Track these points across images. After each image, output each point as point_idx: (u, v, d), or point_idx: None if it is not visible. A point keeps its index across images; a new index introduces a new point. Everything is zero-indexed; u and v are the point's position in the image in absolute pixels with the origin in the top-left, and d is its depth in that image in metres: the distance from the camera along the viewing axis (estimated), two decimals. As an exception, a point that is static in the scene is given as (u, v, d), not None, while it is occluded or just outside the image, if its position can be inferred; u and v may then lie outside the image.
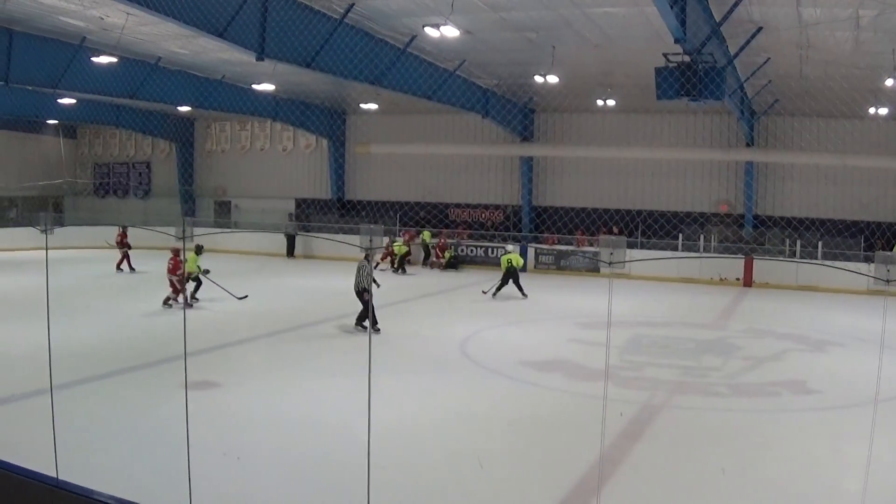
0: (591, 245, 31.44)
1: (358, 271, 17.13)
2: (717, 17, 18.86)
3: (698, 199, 33.20)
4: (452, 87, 27.48)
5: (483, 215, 36.51)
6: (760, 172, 32.35)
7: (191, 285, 20.13)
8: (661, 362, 15.56)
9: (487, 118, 31.21)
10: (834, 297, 26.15)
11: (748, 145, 31.61)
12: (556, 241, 32.65)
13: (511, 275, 23.89)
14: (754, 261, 28.97)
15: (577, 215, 33.18)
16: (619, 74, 26.97)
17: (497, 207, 36.37)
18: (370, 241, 12.58)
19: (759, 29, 20.38)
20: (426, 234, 32.86)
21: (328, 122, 37.65)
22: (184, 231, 26.60)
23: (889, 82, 22.26)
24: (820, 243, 28.84)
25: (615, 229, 32.57)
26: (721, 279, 29.43)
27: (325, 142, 38.59)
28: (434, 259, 31.69)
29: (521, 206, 35.69)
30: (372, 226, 34.33)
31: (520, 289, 23.81)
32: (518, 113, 33.54)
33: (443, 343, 16.18)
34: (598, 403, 10.52)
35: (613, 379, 13.53)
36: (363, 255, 17.16)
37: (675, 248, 30.82)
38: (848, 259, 27.91)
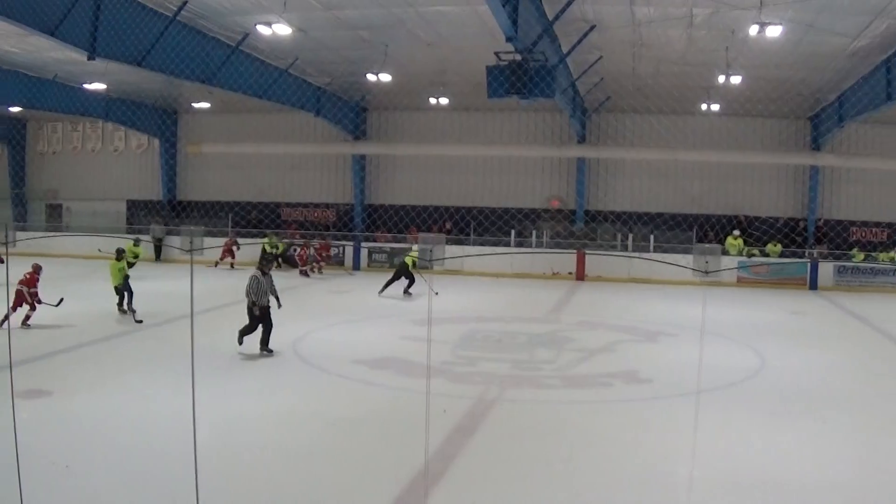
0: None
1: (250, 284, 14.99)
2: (550, 16, 19.35)
3: (531, 196, 34.24)
4: (285, 85, 27.60)
5: (315, 214, 36.71)
6: (592, 168, 33.65)
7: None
8: (495, 357, 15.81)
9: (320, 116, 31.37)
10: (664, 289, 27.41)
11: (580, 142, 32.82)
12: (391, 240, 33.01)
13: (405, 273, 24.19)
14: (586, 255, 29.98)
15: (410, 213, 33.49)
16: (451, 73, 27.48)
17: (330, 206, 36.61)
18: (191, 242, 12.41)
19: (592, 27, 21.11)
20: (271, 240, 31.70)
21: (160, 121, 36.94)
22: (6, 237, 25.29)
23: (721, 79, 23.52)
24: (651, 236, 30.35)
25: (448, 226, 33.21)
26: (554, 273, 30.34)
27: (156, 142, 37.83)
28: (315, 263, 31.14)
29: (353, 205, 35.94)
30: (192, 227, 34.03)
31: (408, 286, 24.23)
32: (350, 111, 33.96)
33: (274, 344, 15.88)
34: (440, 401, 11.13)
35: (447, 374, 13.68)
36: (261, 264, 15.59)
37: (508, 244, 31.72)
38: (682, 252, 29.63)
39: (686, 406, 11.93)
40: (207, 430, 6.52)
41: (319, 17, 21.10)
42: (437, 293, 23.01)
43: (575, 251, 30.51)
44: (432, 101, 30.47)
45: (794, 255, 31.19)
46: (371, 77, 25.54)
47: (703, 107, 28.47)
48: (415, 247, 27.78)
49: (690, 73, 25.07)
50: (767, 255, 31.19)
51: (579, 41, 21.70)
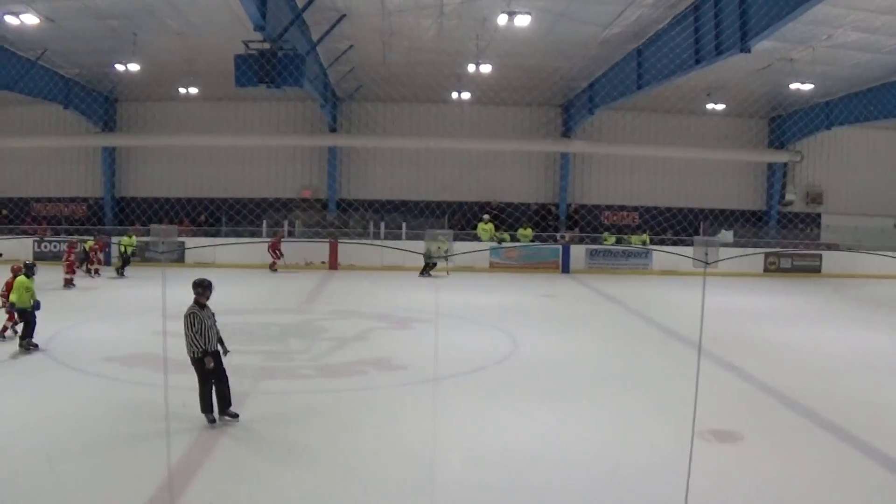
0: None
1: (190, 325, 11.15)
2: (300, 5, 20.04)
3: (284, 186, 34.93)
4: (34, 76, 26.99)
5: (67, 209, 35.87)
6: (344, 157, 34.72)
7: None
8: (247, 349, 16.05)
9: (69, 108, 30.94)
10: (417, 277, 28.82)
11: (332, 131, 33.80)
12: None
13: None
14: (339, 244, 30.95)
15: (164, 206, 33.55)
16: (201, 62, 27.75)
17: (80, 200, 35.82)
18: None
19: (343, 16, 21.99)
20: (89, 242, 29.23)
21: None
22: None
23: (472, 68, 25.03)
24: (404, 224, 31.75)
25: (203, 217, 33.37)
26: (307, 263, 31.12)
27: None
28: (274, 259, 30.16)
29: (103, 199, 35.33)
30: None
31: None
32: (100, 103, 33.46)
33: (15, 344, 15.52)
34: (181, 395, 11.42)
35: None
36: (197, 293, 11.38)
37: (261, 235, 32.17)
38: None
39: (441, 390, 12.87)
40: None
41: (69, 6, 20.87)
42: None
43: (327, 241, 31.39)
44: (182, 90, 30.54)
45: (546, 239, 33.46)
46: (119, 67, 25.47)
47: (455, 95, 29.98)
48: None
49: (442, 61, 26.40)
50: (519, 241, 33.11)
51: (329, 30, 22.48)
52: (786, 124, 37.19)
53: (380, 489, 8.96)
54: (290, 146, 34.69)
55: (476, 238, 32.77)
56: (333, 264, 31.23)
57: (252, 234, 31.87)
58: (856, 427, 12.23)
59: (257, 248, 30.20)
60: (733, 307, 24.23)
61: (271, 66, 20.12)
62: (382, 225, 32.74)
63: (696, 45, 21.60)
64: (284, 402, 12.58)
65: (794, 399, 14.00)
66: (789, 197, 39.11)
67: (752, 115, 36.98)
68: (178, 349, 11.24)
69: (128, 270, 28.57)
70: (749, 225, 38.27)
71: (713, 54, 20.81)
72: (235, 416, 11.33)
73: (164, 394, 10.65)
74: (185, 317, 11.21)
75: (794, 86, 28.51)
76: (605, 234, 35.00)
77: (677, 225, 34.65)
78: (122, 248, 28.68)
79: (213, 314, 11.44)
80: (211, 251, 29.67)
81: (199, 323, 11.18)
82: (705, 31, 21.03)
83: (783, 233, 38.09)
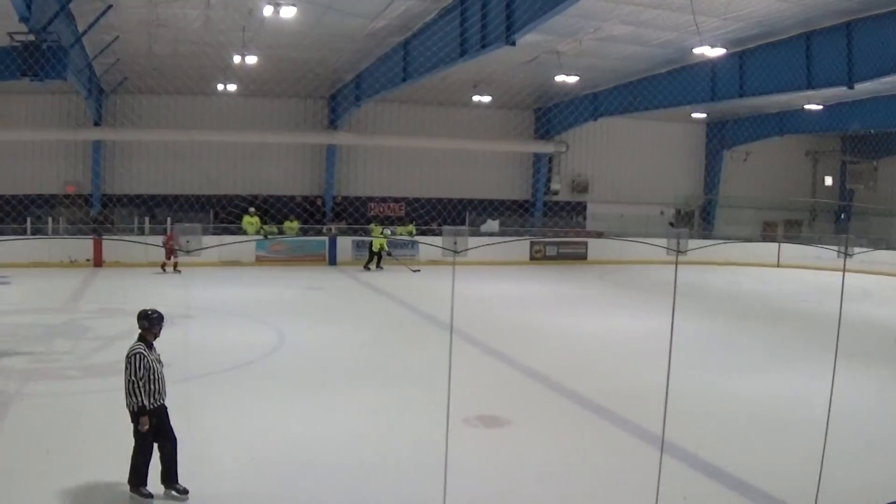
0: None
1: (135, 369, 9.22)
2: (68, -5, 20.28)
3: (47, 181, 34.40)
4: None
5: None
6: (109, 151, 34.86)
7: None
8: (10, 351, 16.20)
9: None
10: (188, 271, 29.41)
11: (96, 124, 33.88)
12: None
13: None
14: (103, 241, 31.10)
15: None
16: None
17: None
18: None
19: (109, 7, 22.33)
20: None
21: None
22: None
23: (237, 59, 25.84)
24: (169, 219, 32.11)
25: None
26: (72, 261, 31.19)
27: None
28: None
29: None
30: None
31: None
32: None
33: None
34: None
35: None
36: (144, 327, 9.66)
37: (24, 233, 31.59)
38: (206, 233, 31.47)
39: (208, 385, 13.84)
40: None
41: None
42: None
43: (92, 237, 31.47)
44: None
45: (312, 231, 34.79)
46: None
47: (221, 87, 30.62)
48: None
49: (208, 53, 26.80)
50: (285, 233, 34.29)
51: (95, 21, 22.63)
52: (552, 115, 39.87)
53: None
54: (53, 141, 34.30)
55: (242, 231, 33.63)
56: (98, 261, 31.44)
57: (14, 232, 31.18)
58: (619, 407, 13.53)
59: (18, 249, 29.53)
60: (500, 295, 26.17)
61: (34, 58, 20.31)
62: (147, 220, 33.04)
63: (462, 37, 22.47)
64: (52, 405, 12.67)
65: (560, 383, 15.21)
66: (555, 186, 42.11)
67: (518, 107, 39.32)
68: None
69: None
70: (516, 214, 40.85)
71: (478, 47, 21.83)
72: (185, 491, 9.30)
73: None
74: (129, 358, 9.33)
75: (559, 78, 29.91)
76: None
77: (444, 215, 36.44)
78: None
79: (159, 356, 9.68)
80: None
81: (146, 367, 9.31)
82: (471, 24, 21.93)
83: (549, 221, 40.86)
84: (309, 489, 9.78)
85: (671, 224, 43.80)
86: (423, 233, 36.47)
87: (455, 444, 9.22)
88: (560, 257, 38.62)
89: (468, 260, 25.51)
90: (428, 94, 33.78)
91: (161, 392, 9.41)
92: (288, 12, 20.86)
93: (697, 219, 46.48)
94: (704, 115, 42.64)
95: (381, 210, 38.54)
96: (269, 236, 33.56)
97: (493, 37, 21.03)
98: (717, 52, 24.20)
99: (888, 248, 37.99)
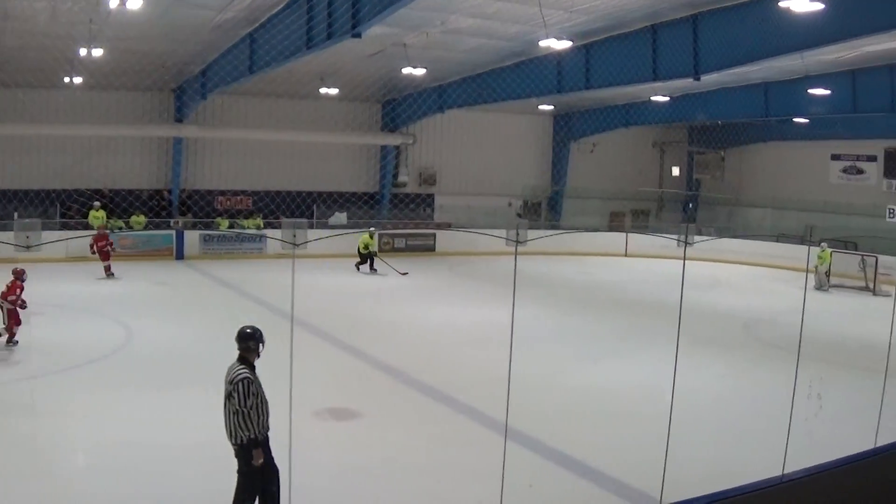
0: None
1: (243, 397, 9.01)
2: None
3: None
4: None
5: None
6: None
7: None
8: None
9: None
10: (45, 267, 28.47)
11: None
12: None
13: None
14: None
15: None
16: None
17: None
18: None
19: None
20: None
21: None
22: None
23: (83, 52, 26.69)
24: (16, 214, 32.65)
25: None
26: None
27: None
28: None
29: None
30: None
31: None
32: None
33: None
34: None
35: None
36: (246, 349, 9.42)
37: None
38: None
39: (53, 385, 14.59)
40: None
41: None
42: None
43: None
44: None
45: (159, 226, 35.68)
46: None
47: (67, 80, 31.32)
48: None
49: (54, 45, 27.18)
50: (132, 228, 35.06)
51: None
52: (399, 108, 41.31)
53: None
54: None
55: (89, 227, 33.84)
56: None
57: None
58: (467, 397, 14.68)
59: None
60: (348, 287, 27.62)
61: None
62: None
63: (308, 29, 23.28)
64: None
65: (409, 374, 16.49)
66: (402, 178, 43.98)
67: (365, 99, 41.09)
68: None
69: None
70: (364, 207, 42.56)
71: (324, 39, 22.69)
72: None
73: None
74: (235, 384, 8.96)
75: (406, 70, 31.20)
76: (220, 219, 37.53)
77: (293, 208, 38.26)
78: None
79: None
80: None
81: (254, 394, 8.99)
82: (317, 15, 22.75)
83: (397, 213, 42.84)
84: (155, 488, 10.38)
85: (519, 215, 45.85)
86: (271, 226, 37.84)
87: (305, 438, 10.03)
88: (408, 249, 40.23)
89: (314, 252, 27.05)
90: (275, 86, 34.86)
91: (266, 421, 9.08)
92: (134, 4, 21.23)
93: (545, 209, 49.03)
94: (551, 107, 45.17)
95: (229, 203, 39.52)
96: (116, 231, 33.91)
97: (339, 29, 21.95)
98: (564, 44, 25.15)
99: (734, 236, 41.42)
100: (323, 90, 36.10)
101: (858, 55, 29.32)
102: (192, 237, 35.29)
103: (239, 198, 39.94)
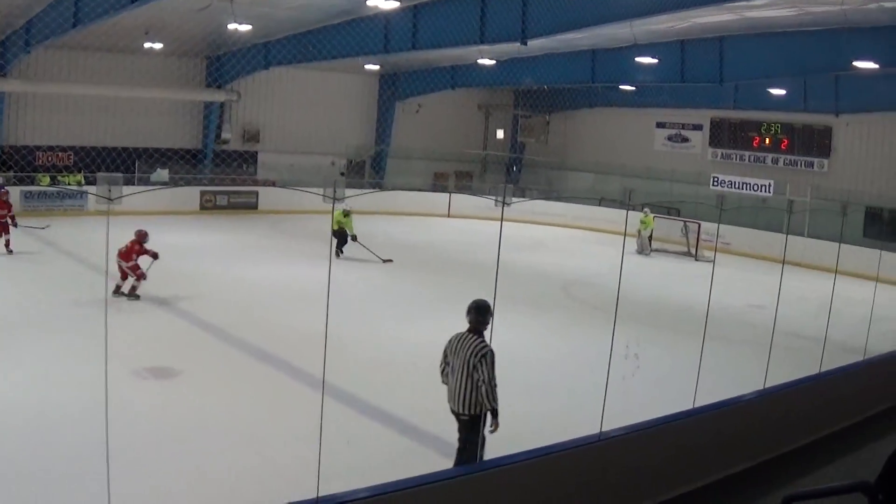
0: None
1: (477, 365, 9.84)
2: None
3: None
4: None
5: None
6: None
7: None
8: None
9: None
10: None
11: None
12: None
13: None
14: None
15: None
16: None
17: None
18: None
19: None
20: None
21: None
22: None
23: None
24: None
25: None
26: None
27: None
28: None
29: None
30: None
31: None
32: None
33: None
34: None
35: None
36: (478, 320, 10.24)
37: None
38: None
39: None
40: None
41: None
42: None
43: None
44: None
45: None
46: None
47: None
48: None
49: None
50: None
51: None
52: (224, 64, 43.21)
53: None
54: None
55: None
56: None
57: None
58: (287, 355, 15.54)
59: None
60: (170, 245, 27.06)
61: None
62: None
63: None
64: None
65: (230, 332, 17.37)
66: (226, 136, 45.84)
67: (190, 55, 42.46)
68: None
69: None
70: (186, 163, 44.18)
71: None
72: None
73: None
74: (482, 356, 9.72)
75: (232, 26, 31.73)
76: (41, 175, 38.47)
77: (115, 164, 39.49)
78: None
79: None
80: None
81: (486, 363, 9.73)
82: None
83: (220, 170, 44.93)
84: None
85: (342, 174, 48.37)
86: (93, 182, 38.69)
87: (125, 399, 10.67)
88: (231, 207, 42.24)
89: (134, 209, 28.01)
90: (100, 40, 35.49)
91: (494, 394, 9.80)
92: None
93: (369, 169, 51.73)
94: (377, 67, 47.27)
95: (49, 159, 40.15)
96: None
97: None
98: (391, 4, 26.45)
99: (555, 199, 45.20)
100: (147, 45, 37.02)
101: (688, 26, 32.17)
102: (13, 193, 34.51)
103: (60, 154, 40.68)
